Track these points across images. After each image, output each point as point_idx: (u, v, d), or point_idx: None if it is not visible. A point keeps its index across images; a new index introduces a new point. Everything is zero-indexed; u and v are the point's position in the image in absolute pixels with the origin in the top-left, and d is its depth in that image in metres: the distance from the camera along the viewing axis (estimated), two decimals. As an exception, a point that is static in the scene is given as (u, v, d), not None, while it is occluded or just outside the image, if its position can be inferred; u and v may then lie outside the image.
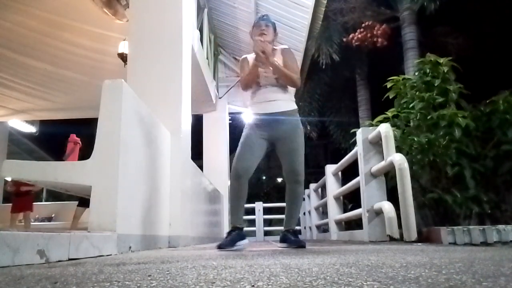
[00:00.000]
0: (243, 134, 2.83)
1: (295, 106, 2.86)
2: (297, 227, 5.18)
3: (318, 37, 8.27)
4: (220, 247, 2.56)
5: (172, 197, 3.58)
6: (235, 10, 7.37)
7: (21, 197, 6.73)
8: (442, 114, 3.58)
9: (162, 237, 3.27)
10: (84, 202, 5.79)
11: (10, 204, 7.02)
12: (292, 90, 2.85)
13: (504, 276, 0.87)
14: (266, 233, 10.05)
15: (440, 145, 3.51)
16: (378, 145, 3.67)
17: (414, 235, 2.91)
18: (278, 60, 2.78)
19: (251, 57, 2.88)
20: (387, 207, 3.30)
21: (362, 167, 3.83)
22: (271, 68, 2.75)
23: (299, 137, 2.79)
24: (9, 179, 6.65)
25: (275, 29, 2.92)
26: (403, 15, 8.50)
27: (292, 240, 2.72)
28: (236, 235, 2.67)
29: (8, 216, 6.60)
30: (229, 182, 3.04)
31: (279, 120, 2.76)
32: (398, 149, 3.48)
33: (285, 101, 2.79)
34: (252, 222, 9.83)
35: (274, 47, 2.89)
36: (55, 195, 11.12)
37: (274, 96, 2.78)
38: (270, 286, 0.81)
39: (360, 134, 3.87)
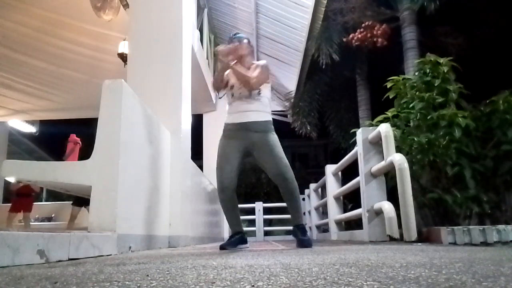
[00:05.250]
0: (219, 145, 2.94)
1: (268, 118, 2.90)
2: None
3: (318, 37, 8.25)
4: (222, 247, 2.72)
5: (172, 197, 3.59)
6: (235, 10, 7.38)
7: (22, 198, 6.72)
8: (442, 114, 3.57)
9: (162, 237, 3.27)
10: (79, 201, 5.78)
11: (10, 204, 7.02)
12: (267, 102, 2.89)
13: (504, 276, 0.87)
14: (266, 233, 10.04)
15: (440, 145, 3.50)
16: (378, 145, 3.67)
17: (414, 235, 2.91)
18: (250, 71, 2.85)
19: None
20: (387, 207, 3.30)
21: (362, 167, 3.83)
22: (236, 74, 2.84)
23: (272, 139, 2.82)
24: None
25: (249, 43, 3.03)
26: (403, 15, 8.48)
27: (299, 239, 2.77)
28: (237, 239, 2.86)
29: (7, 216, 6.59)
30: None
31: (249, 129, 2.81)
32: (398, 149, 3.48)
33: (256, 112, 2.84)
34: (252, 222, 9.81)
35: (253, 62, 2.99)
36: (55, 195, 11.11)
37: (246, 107, 2.85)
38: (270, 286, 0.81)
39: (360, 134, 3.87)
